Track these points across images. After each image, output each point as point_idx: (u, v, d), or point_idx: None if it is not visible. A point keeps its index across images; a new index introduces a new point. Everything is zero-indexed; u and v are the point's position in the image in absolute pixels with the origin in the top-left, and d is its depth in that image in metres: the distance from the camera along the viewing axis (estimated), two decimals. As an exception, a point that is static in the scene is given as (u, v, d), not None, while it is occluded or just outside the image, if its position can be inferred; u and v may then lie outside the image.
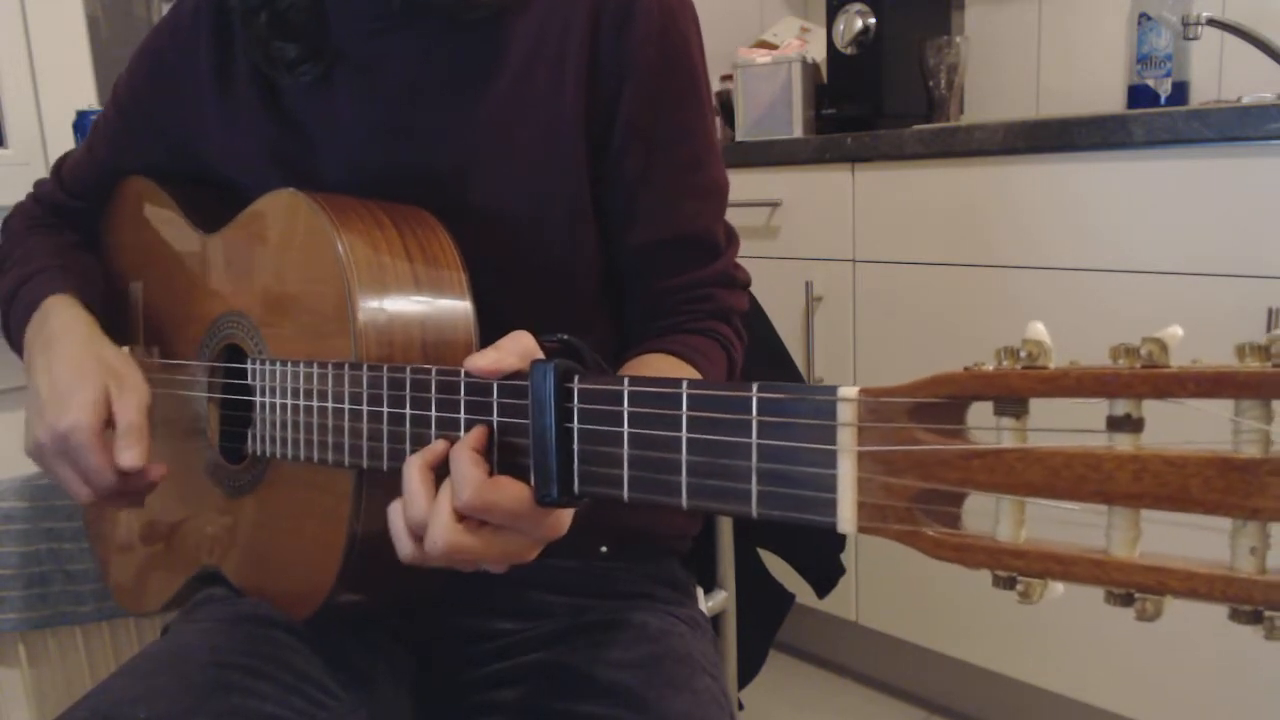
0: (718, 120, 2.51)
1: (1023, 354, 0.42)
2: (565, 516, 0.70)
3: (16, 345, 1.04)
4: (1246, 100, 1.90)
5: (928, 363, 1.98)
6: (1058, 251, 1.77)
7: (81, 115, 1.73)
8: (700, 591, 1.16)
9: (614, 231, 0.96)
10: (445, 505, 0.67)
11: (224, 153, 1.01)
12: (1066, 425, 0.41)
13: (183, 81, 1.02)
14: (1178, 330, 0.38)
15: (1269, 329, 1.52)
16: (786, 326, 2.16)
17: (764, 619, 1.54)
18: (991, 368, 0.43)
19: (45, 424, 0.90)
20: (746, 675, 1.51)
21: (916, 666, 2.21)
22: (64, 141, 1.75)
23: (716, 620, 1.38)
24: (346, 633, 0.93)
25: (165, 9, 1.99)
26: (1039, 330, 0.42)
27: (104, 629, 1.51)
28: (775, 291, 2.18)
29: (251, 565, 0.94)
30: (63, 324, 0.98)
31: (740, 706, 1.55)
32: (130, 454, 0.89)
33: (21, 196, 1.17)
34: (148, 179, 1.09)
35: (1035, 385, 0.41)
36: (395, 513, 0.70)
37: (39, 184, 1.17)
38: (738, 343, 1.00)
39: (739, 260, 1.03)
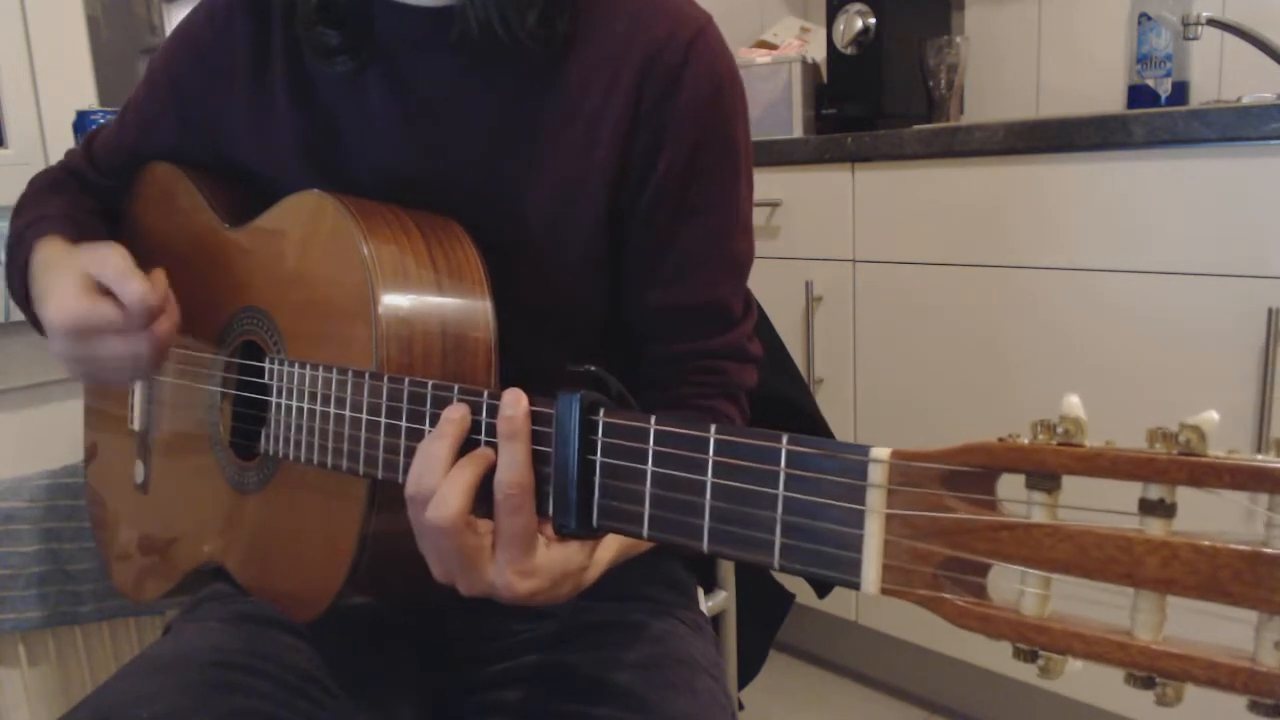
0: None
1: (1059, 430, 0.42)
2: (587, 576, 0.73)
3: (18, 287, 1.04)
4: (1246, 100, 1.90)
5: (928, 363, 1.98)
6: (1058, 251, 1.77)
7: (81, 115, 1.72)
8: (700, 592, 1.17)
9: (631, 288, 0.96)
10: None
11: (252, 143, 1.00)
12: (1099, 501, 0.42)
13: (217, 67, 1.01)
14: (1214, 415, 0.38)
15: (1268, 329, 1.53)
16: (786, 326, 2.16)
17: (764, 619, 1.54)
18: (1027, 441, 0.43)
19: (53, 332, 0.89)
20: (746, 675, 1.52)
21: (916, 666, 2.22)
22: (64, 141, 1.74)
23: (716, 620, 1.39)
24: (348, 633, 0.93)
25: (166, 9, 1.99)
26: (1074, 405, 0.42)
27: (104, 629, 1.52)
28: (775, 291, 2.18)
29: (257, 564, 0.94)
30: (42, 258, 0.97)
31: (740, 706, 1.56)
32: (131, 287, 0.86)
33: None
34: (173, 166, 1.08)
35: (1070, 463, 0.42)
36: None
37: (70, 153, 1.17)
38: (740, 423, 0.99)
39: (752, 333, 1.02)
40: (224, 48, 1.01)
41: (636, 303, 0.96)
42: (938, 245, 1.95)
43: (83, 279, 0.88)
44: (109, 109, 1.75)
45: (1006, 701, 2.07)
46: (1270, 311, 1.52)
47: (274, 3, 0.98)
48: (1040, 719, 2.02)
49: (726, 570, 1.40)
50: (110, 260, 0.87)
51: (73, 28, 1.78)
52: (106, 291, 0.87)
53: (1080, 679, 1.61)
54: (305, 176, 0.94)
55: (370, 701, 0.91)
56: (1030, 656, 0.43)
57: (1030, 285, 1.82)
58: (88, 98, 1.80)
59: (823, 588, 1.54)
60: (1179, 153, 1.61)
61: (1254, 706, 0.38)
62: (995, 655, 1.96)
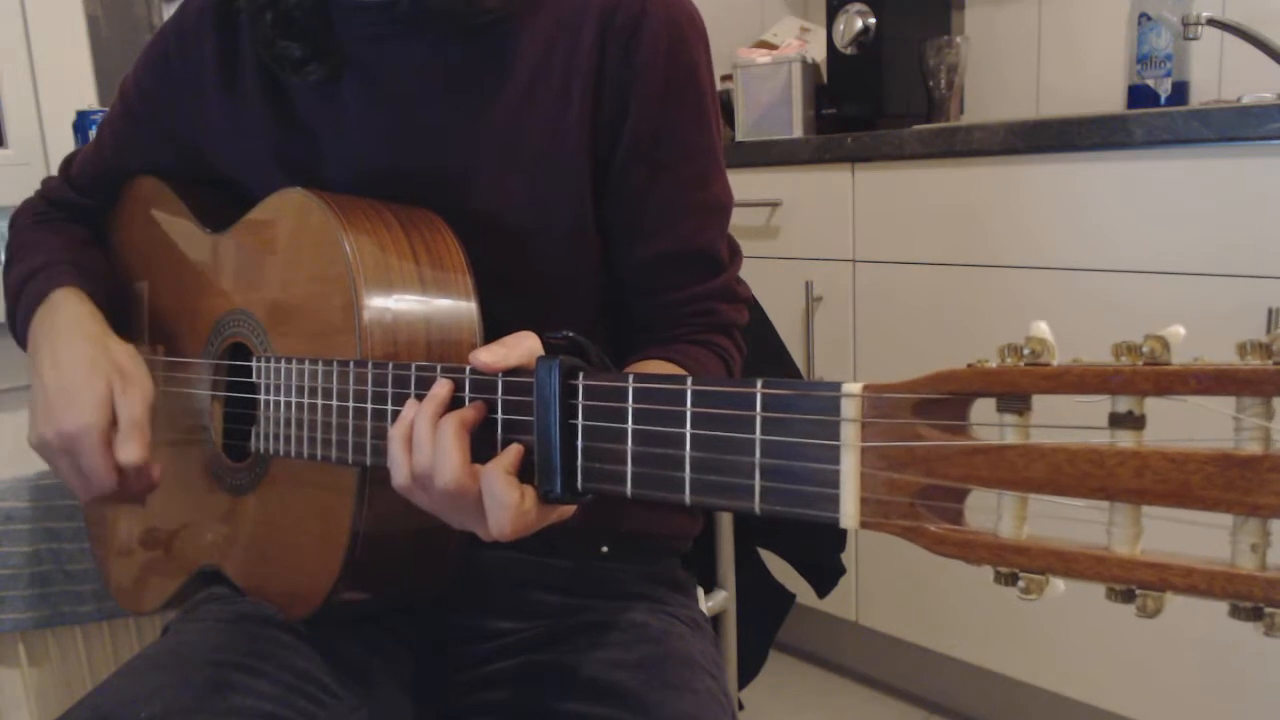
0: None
1: (1026, 351, 0.42)
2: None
3: (21, 337, 1.04)
4: (1246, 100, 1.90)
5: (928, 362, 1.96)
6: (1058, 251, 1.77)
7: (81, 115, 1.72)
8: (700, 591, 1.16)
9: (616, 246, 0.97)
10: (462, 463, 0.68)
11: (229, 154, 1.01)
12: (1069, 422, 0.41)
13: (188, 83, 1.02)
14: (1179, 329, 0.38)
15: (1269, 329, 1.52)
16: (786, 326, 2.16)
17: (764, 619, 1.53)
18: (995, 364, 0.43)
19: (52, 422, 0.90)
20: (746, 675, 1.51)
21: (916, 666, 2.21)
22: (64, 141, 1.75)
23: (716, 620, 1.38)
24: (346, 632, 0.93)
25: (166, 9, 2.00)
26: (1042, 329, 0.42)
27: (104, 629, 1.51)
28: (775, 291, 2.18)
29: (252, 564, 0.94)
30: (70, 318, 0.98)
31: (740, 706, 1.55)
32: (131, 450, 0.90)
33: (21, 197, 1.17)
34: (155, 179, 1.09)
35: (1038, 382, 0.42)
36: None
37: (46, 181, 1.18)
38: (737, 356, 1.00)
39: (740, 274, 1.04)
40: (193, 61, 1.02)
41: (624, 259, 0.97)
42: (937, 245, 1.95)
43: (104, 393, 0.91)
44: (109, 109, 1.76)
45: (1006, 701, 2.06)
46: (1270, 311, 1.52)
47: (241, 18, 0.99)
48: (1040, 719, 2.00)
49: (726, 570, 1.39)
50: (134, 404, 0.92)
51: (73, 28, 1.79)
52: (114, 421, 0.91)
53: (1081, 679, 1.59)
54: (282, 182, 0.94)
55: (368, 700, 0.90)
56: (1010, 579, 0.43)
57: (1028, 285, 1.82)
58: (88, 98, 1.81)
59: (823, 586, 1.53)
60: (1179, 153, 1.61)
61: (1234, 611, 0.38)
62: (995, 655, 1.96)
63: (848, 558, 1.54)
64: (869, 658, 2.32)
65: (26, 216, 1.14)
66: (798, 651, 2.44)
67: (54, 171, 1.18)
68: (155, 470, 0.94)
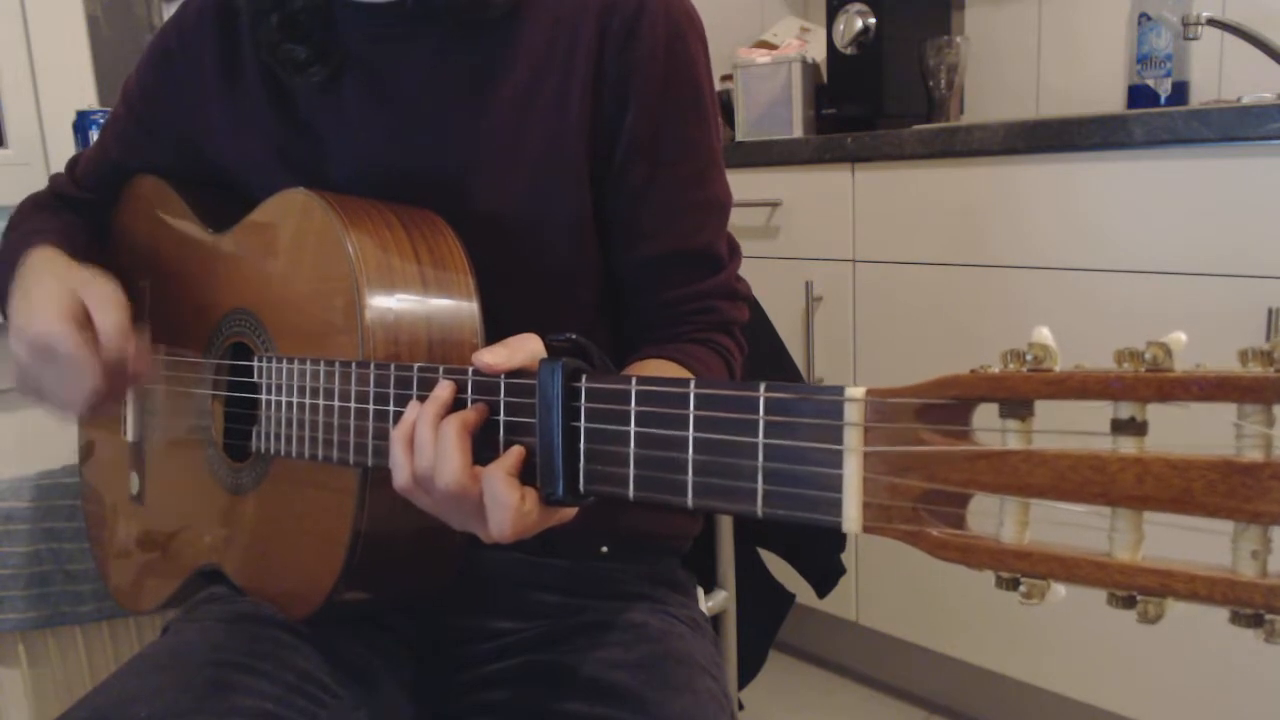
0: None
1: (1028, 357, 0.42)
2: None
3: (4, 304, 1.03)
4: (1246, 100, 1.90)
5: (928, 362, 1.98)
6: (1058, 251, 1.77)
7: (81, 115, 1.72)
8: (700, 591, 1.16)
9: (617, 244, 0.97)
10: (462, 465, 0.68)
11: (231, 153, 1.01)
12: (1071, 428, 0.41)
13: (189, 82, 1.02)
14: (1181, 336, 0.38)
15: (1269, 329, 1.52)
16: (786, 326, 2.16)
17: (764, 619, 1.53)
18: (997, 370, 0.43)
19: (23, 339, 0.89)
20: (746, 675, 1.51)
21: (916, 666, 2.21)
22: (64, 141, 1.75)
23: (716, 620, 1.38)
24: (346, 632, 0.93)
25: (166, 9, 2.00)
26: (1044, 334, 0.42)
27: (104, 629, 1.51)
28: (775, 291, 2.18)
29: (253, 563, 0.94)
30: (37, 262, 0.97)
31: (740, 706, 1.55)
32: (107, 314, 0.88)
33: (21, 196, 1.17)
34: (156, 178, 1.09)
35: (1040, 388, 0.42)
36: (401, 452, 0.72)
37: (54, 178, 1.18)
38: (738, 354, 1.00)
39: (740, 273, 1.03)
40: (194, 60, 1.02)
41: (624, 258, 0.97)
42: (937, 245, 1.95)
43: (71, 299, 0.89)
44: (109, 109, 1.75)
45: (1006, 701, 2.06)
46: (1270, 311, 1.52)
47: (242, 18, 0.99)
48: (1040, 719, 2.01)
49: (726, 570, 1.39)
50: (104, 305, 0.89)
51: (73, 28, 1.79)
52: (88, 323, 0.88)
53: (1081, 679, 1.59)
54: (286, 181, 0.94)
55: (368, 700, 0.90)
56: (1012, 584, 0.43)
57: (1028, 285, 1.82)
58: (88, 98, 1.81)
59: (823, 586, 1.53)
60: (1179, 153, 1.61)
61: (1235, 618, 0.38)
62: (995, 655, 1.96)
63: (848, 558, 1.54)
64: (869, 658, 2.32)
65: (26, 203, 1.15)
66: (798, 651, 2.44)
67: (55, 171, 1.19)
68: (143, 361, 0.92)
